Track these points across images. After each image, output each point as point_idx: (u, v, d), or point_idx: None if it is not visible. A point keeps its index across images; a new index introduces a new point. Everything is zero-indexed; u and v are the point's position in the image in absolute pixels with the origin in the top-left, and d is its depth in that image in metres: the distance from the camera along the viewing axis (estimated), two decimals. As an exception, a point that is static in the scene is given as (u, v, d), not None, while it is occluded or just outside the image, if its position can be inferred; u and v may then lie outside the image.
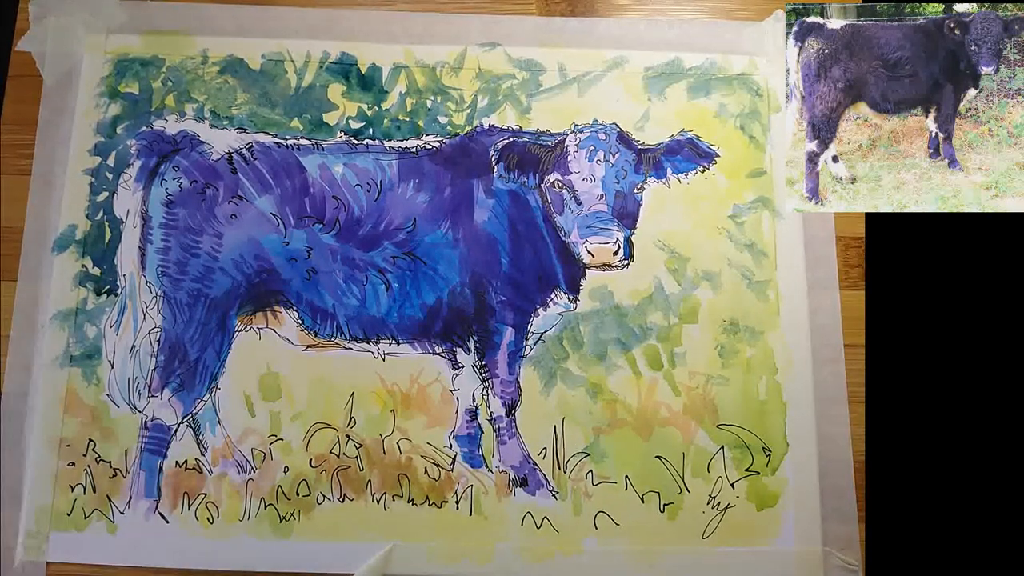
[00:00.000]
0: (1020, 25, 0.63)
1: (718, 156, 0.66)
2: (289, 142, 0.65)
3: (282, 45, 0.68)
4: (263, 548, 0.59)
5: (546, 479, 0.61)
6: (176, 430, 0.61)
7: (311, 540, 0.60)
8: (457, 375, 0.63)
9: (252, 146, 0.65)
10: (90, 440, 0.61)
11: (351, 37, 0.69)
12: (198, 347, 0.62)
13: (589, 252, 0.62)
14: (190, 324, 0.62)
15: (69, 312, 0.63)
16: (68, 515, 0.60)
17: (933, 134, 0.66)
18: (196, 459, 0.61)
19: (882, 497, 0.52)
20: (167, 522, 0.60)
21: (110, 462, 0.61)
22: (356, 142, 0.66)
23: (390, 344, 0.63)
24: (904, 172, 0.65)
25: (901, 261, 0.55)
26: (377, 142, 0.66)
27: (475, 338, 0.63)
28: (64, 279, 0.63)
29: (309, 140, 0.66)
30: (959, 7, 0.64)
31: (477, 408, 0.63)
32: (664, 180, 0.66)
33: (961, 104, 0.65)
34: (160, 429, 0.61)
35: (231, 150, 0.65)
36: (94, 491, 0.60)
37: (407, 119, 0.67)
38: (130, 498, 0.60)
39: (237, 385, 0.62)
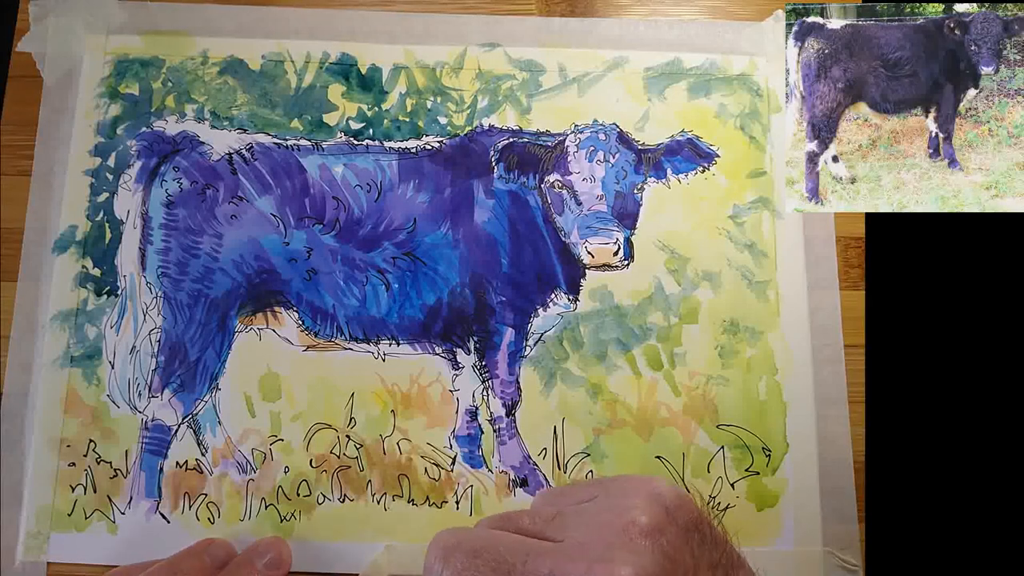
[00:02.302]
0: (1020, 25, 0.63)
1: (718, 156, 0.66)
2: (289, 143, 0.65)
3: (282, 46, 0.68)
4: (263, 548, 0.59)
5: (546, 479, 0.61)
6: (176, 430, 0.61)
7: (311, 540, 0.60)
8: (457, 375, 0.63)
9: (252, 147, 0.65)
10: (90, 440, 0.61)
11: (351, 37, 0.69)
12: (198, 348, 0.62)
13: (589, 252, 0.62)
14: (190, 325, 0.62)
15: (69, 313, 0.63)
16: (68, 515, 0.60)
17: (933, 134, 0.66)
18: (196, 459, 0.61)
19: (882, 497, 0.52)
20: (168, 522, 0.60)
21: (111, 462, 0.61)
22: (356, 143, 0.66)
23: (390, 344, 0.63)
24: (904, 172, 0.65)
25: (901, 261, 0.55)
26: (377, 143, 0.66)
27: (475, 338, 0.63)
28: (64, 280, 0.63)
29: (309, 141, 0.66)
30: (959, 7, 0.64)
31: (477, 408, 0.63)
32: (664, 180, 0.66)
33: (961, 104, 0.65)
34: (160, 430, 0.61)
35: (231, 151, 0.65)
36: (94, 491, 0.60)
37: (407, 119, 0.67)
38: (131, 498, 0.60)
39: (237, 385, 0.62)
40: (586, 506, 0.39)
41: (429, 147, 0.66)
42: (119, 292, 0.63)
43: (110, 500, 0.60)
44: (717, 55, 0.69)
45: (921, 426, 0.51)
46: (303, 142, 0.66)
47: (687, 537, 0.38)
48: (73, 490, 0.60)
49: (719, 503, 0.61)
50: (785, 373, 0.63)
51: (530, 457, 0.62)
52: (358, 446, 0.62)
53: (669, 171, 0.65)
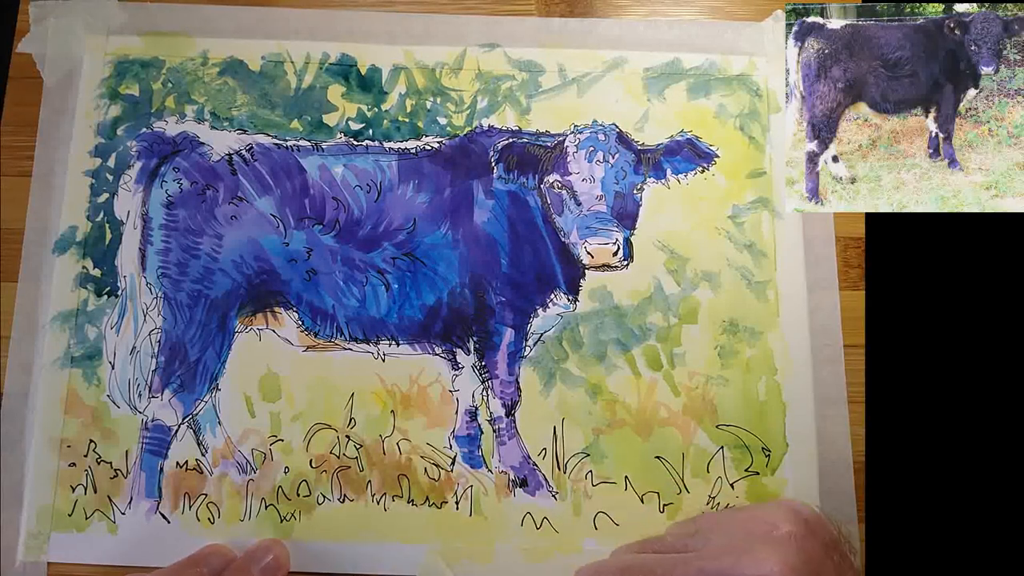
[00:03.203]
0: (1020, 25, 0.63)
1: (717, 156, 0.66)
2: (289, 143, 0.65)
3: (282, 46, 0.68)
4: (263, 548, 0.59)
5: (546, 479, 0.62)
6: (176, 431, 0.62)
7: (311, 540, 0.60)
8: (457, 376, 0.63)
9: (252, 147, 0.65)
10: (91, 441, 0.61)
11: (351, 38, 0.69)
12: (198, 348, 0.62)
13: (588, 253, 0.62)
14: (190, 325, 0.62)
15: (70, 313, 0.63)
16: (69, 515, 0.60)
17: (933, 134, 0.65)
18: (196, 460, 0.61)
19: (882, 497, 0.52)
20: (168, 522, 0.60)
21: (111, 463, 0.61)
22: (356, 143, 0.66)
23: (390, 345, 0.63)
24: (904, 172, 0.65)
25: (901, 261, 0.55)
26: (377, 143, 0.66)
27: (475, 339, 0.63)
28: (65, 280, 0.63)
29: (309, 141, 0.66)
30: (959, 7, 0.64)
31: (477, 409, 0.63)
32: (663, 181, 0.66)
33: (961, 104, 0.65)
34: (161, 430, 0.61)
35: (231, 151, 0.65)
36: (95, 491, 0.60)
37: (407, 120, 0.67)
38: (131, 499, 0.60)
39: (237, 386, 0.62)
40: (725, 519, 0.40)
41: (429, 148, 0.66)
42: (119, 293, 0.63)
43: (110, 500, 0.60)
44: (716, 55, 0.69)
45: (921, 426, 0.51)
46: (303, 143, 0.66)
47: (827, 552, 0.38)
48: (73, 490, 0.60)
49: (719, 503, 0.61)
50: (785, 373, 0.63)
51: (530, 457, 0.62)
52: (358, 446, 0.62)
53: (668, 171, 0.65)
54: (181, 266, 0.63)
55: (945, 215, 0.62)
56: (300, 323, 0.63)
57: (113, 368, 0.62)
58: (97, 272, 0.64)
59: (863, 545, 0.60)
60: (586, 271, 0.64)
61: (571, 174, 0.64)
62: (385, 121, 0.67)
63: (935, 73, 0.65)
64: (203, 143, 0.65)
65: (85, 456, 0.61)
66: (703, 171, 0.66)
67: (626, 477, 0.61)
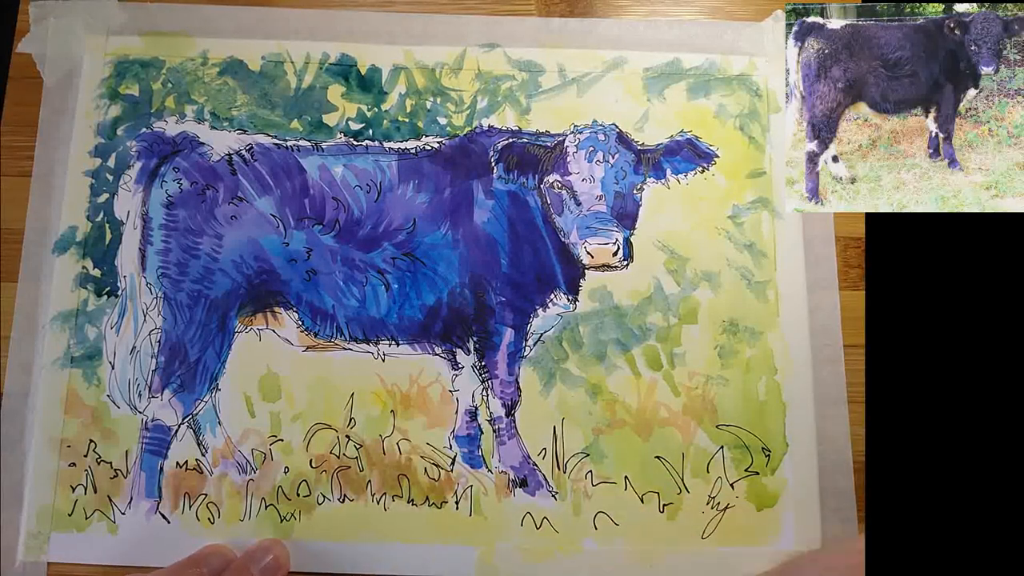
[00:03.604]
0: (1020, 25, 0.63)
1: (717, 156, 0.66)
2: (289, 143, 0.65)
3: (282, 46, 0.68)
4: (263, 548, 0.59)
5: (546, 479, 0.62)
6: (176, 431, 0.62)
7: (311, 540, 0.60)
8: (457, 376, 0.63)
9: (252, 147, 0.65)
10: (91, 441, 0.61)
11: (351, 38, 0.69)
12: (198, 348, 0.62)
13: (588, 253, 0.62)
14: (190, 325, 0.62)
15: (70, 313, 0.63)
16: (69, 515, 0.60)
17: (933, 134, 0.65)
18: (196, 460, 0.61)
19: (882, 497, 0.52)
20: (168, 522, 0.60)
21: (111, 463, 0.61)
22: (356, 143, 0.66)
23: (390, 345, 0.63)
24: (904, 172, 0.65)
25: (901, 261, 0.55)
26: (377, 143, 0.66)
27: (475, 339, 0.63)
28: (65, 280, 0.63)
29: (309, 141, 0.66)
30: (959, 7, 0.64)
31: (477, 409, 0.63)
32: (663, 181, 0.66)
33: (961, 104, 0.65)
34: (160, 430, 0.61)
35: (231, 151, 0.65)
36: (95, 491, 0.60)
37: (406, 120, 0.67)
38: (131, 499, 0.60)
39: (237, 386, 0.62)
40: (809, 556, 0.41)
41: (428, 148, 0.66)
42: (119, 293, 0.63)
43: (110, 500, 0.60)
44: (716, 55, 0.69)
45: (921, 426, 0.51)
46: (303, 143, 0.66)
47: None
48: (73, 490, 0.60)
49: (719, 503, 0.61)
50: (785, 373, 0.63)
51: (529, 457, 0.62)
52: (358, 446, 0.62)
53: (668, 171, 0.65)
54: (181, 266, 0.63)
55: (945, 215, 0.62)
56: (300, 323, 0.63)
57: (113, 368, 0.62)
58: (97, 272, 0.64)
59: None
60: (586, 271, 0.64)
61: (571, 174, 0.64)
62: (385, 121, 0.67)
63: (935, 73, 0.64)
64: (203, 143, 0.65)
65: (85, 456, 0.61)
66: (703, 171, 0.66)
67: (626, 477, 0.61)
